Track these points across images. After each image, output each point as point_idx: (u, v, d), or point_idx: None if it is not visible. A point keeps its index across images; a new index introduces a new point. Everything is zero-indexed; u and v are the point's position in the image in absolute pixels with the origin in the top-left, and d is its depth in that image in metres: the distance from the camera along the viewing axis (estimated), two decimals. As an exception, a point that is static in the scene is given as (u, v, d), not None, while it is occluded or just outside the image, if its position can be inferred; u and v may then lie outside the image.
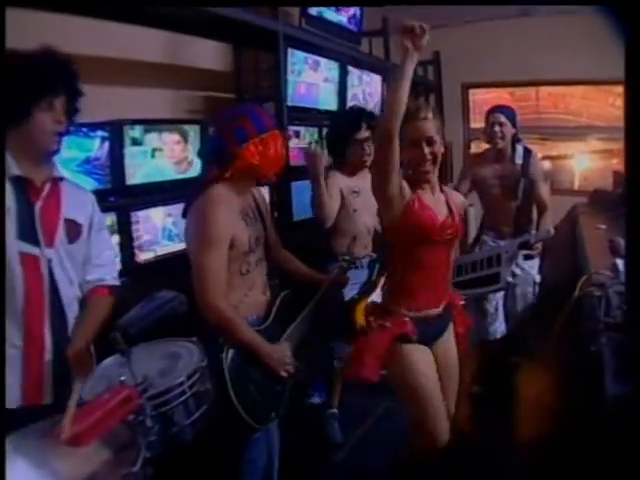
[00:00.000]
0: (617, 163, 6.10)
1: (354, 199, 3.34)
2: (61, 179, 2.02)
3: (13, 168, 1.84)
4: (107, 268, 2.17)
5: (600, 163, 6.49)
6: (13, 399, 1.87)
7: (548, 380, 3.41)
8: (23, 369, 1.91)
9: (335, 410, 3.56)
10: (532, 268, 3.98)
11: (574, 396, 2.84)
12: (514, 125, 3.80)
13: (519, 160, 3.74)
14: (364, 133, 3.31)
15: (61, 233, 1.95)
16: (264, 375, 2.32)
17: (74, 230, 2.00)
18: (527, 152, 3.81)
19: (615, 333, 2.43)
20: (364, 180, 3.46)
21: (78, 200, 2.06)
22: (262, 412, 2.32)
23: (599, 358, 2.39)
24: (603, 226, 4.50)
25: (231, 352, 2.23)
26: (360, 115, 3.40)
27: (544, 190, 3.88)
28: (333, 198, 3.26)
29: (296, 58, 4.00)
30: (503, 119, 3.76)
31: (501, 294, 3.94)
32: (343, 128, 3.38)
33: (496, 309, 4.00)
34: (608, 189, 5.82)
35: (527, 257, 3.73)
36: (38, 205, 1.90)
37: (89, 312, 2.07)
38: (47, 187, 1.95)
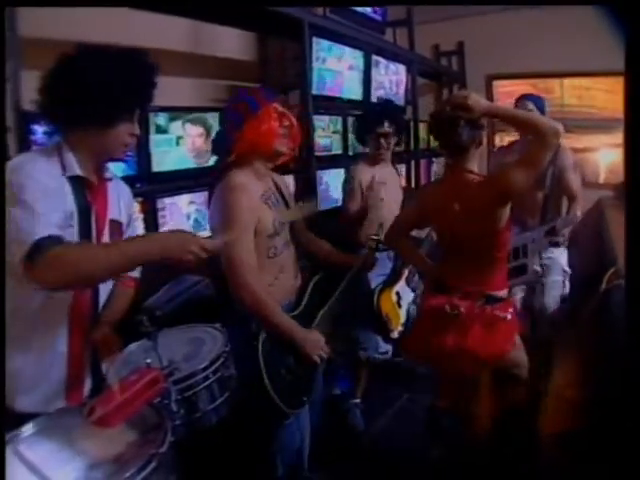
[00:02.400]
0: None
1: (381, 190, 3.38)
2: (110, 179, 1.97)
3: (75, 168, 1.76)
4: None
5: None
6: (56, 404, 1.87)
7: (576, 373, 3.38)
8: (68, 373, 1.91)
9: (358, 400, 3.56)
10: (561, 257, 3.91)
11: (603, 389, 2.81)
12: (543, 114, 3.72)
13: None
14: (385, 128, 3.36)
15: (107, 234, 1.92)
16: (296, 360, 2.32)
17: (117, 231, 1.97)
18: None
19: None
20: (387, 172, 3.49)
21: (121, 199, 2.02)
22: (294, 397, 2.32)
23: (629, 350, 2.35)
24: (630, 219, 4.43)
25: (263, 336, 2.22)
26: (383, 110, 3.43)
27: (574, 180, 3.83)
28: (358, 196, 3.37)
29: (321, 47, 4.00)
30: (532, 107, 3.72)
31: (521, 291, 3.90)
32: (366, 120, 3.46)
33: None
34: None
35: (553, 244, 3.69)
36: (94, 207, 1.85)
37: (116, 300, 2.07)
38: (101, 189, 1.90)
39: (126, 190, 2.09)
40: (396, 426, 3.48)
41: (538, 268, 3.62)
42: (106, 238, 1.91)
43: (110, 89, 1.71)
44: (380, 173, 3.44)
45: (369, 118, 3.46)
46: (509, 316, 2.49)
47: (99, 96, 1.68)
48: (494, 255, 2.49)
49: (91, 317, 1.94)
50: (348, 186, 3.40)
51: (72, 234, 1.72)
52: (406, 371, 3.99)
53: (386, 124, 3.36)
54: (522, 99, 3.87)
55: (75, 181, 1.77)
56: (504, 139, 6.41)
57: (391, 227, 2.81)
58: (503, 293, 2.55)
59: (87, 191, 1.82)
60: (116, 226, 1.96)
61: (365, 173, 3.39)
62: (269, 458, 2.44)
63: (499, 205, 2.31)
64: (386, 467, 3.05)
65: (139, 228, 2.83)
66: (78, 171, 1.77)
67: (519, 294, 3.89)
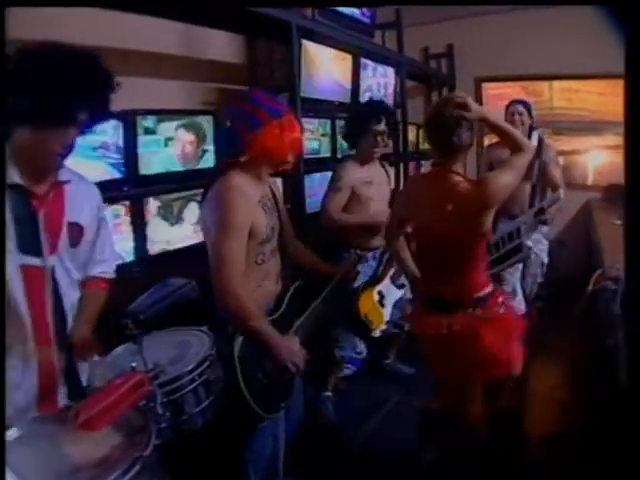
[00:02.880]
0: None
1: (367, 189, 3.40)
2: (66, 182, 1.89)
3: (14, 175, 1.72)
4: (109, 262, 2.15)
5: (614, 158, 6.40)
6: (29, 409, 1.84)
7: (563, 373, 3.39)
8: (40, 385, 1.88)
9: (330, 393, 3.58)
10: (542, 251, 4.30)
11: (589, 389, 2.82)
12: (531, 115, 4.25)
13: (534, 144, 3.82)
14: (381, 126, 3.38)
15: (64, 238, 1.88)
16: (274, 365, 2.30)
17: (77, 233, 1.93)
18: (540, 139, 3.96)
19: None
20: (376, 170, 3.50)
21: (82, 201, 1.96)
22: (270, 401, 2.31)
23: (615, 351, 2.37)
24: (618, 221, 4.46)
25: (240, 340, 2.21)
26: (381, 108, 3.44)
27: (556, 171, 4.23)
28: (344, 196, 3.36)
29: (309, 49, 4.00)
30: (522, 109, 4.23)
31: (518, 276, 4.16)
32: (363, 118, 3.43)
33: (514, 289, 4.15)
34: (622, 184, 5.79)
35: (542, 222, 3.86)
36: (42, 212, 1.80)
37: (90, 302, 2.06)
38: (51, 194, 1.84)
39: (93, 193, 2.04)
40: (386, 429, 3.47)
41: (530, 243, 3.81)
42: (63, 242, 1.88)
43: (43, 89, 1.62)
44: (369, 172, 3.45)
45: (365, 116, 3.45)
46: (502, 309, 2.49)
47: (31, 95, 1.61)
48: (477, 257, 2.49)
49: (59, 329, 1.91)
50: (334, 184, 3.38)
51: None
52: (394, 374, 4.00)
53: (383, 122, 3.38)
54: (513, 103, 4.31)
55: (15, 189, 1.74)
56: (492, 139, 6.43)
57: (386, 228, 2.83)
58: (488, 289, 2.53)
59: (32, 199, 1.78)
60: (76, 229, 1.92)
61: (354, 172, 3.39)
62: (242, 463, 2.44)
63: (485, 210, 2.32)
64: (376, 471, 3.04)
65: (126, 232, 2.85)
66: (17, 179, 1.73)
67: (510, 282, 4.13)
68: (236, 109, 2.29)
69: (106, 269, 2.13)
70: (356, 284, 3.20)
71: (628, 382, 1.73)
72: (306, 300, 2.56)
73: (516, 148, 2.34)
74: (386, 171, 3.70)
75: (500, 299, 2.54)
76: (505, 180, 2.29)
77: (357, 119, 3.51)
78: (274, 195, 2.46)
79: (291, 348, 2.31)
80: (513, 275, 4.12)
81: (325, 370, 3.62)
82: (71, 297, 1.97)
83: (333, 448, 3.24)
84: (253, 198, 2.25)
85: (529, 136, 4.07)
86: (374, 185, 3.43)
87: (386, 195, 3.59)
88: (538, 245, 4.19)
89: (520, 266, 4.11)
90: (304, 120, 3.96)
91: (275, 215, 2.41)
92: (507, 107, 4.36)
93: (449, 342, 2.44)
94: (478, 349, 2.39)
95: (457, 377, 2.57)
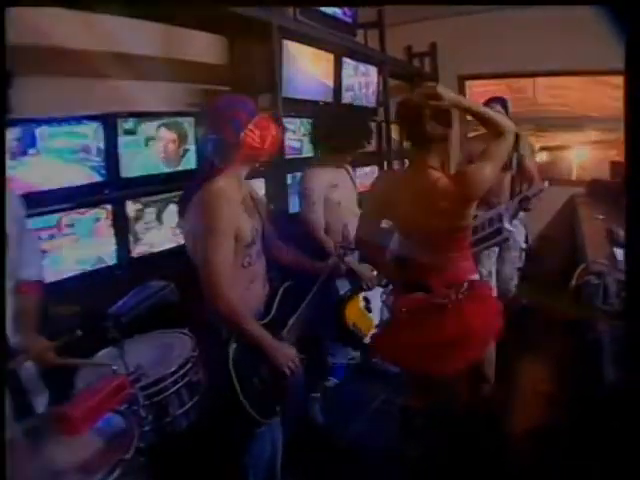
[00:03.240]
0: (616, 154, 6.08)
1: (334, 192, 3.36)
2: None
3: None
4: (36, 265, 2.16)
5: (598, 154, 6.46)
6: None
7: (546, 368, 3.40)
8: None
9: (318, 394, 3.56)
10: (519, 235, 4.47)
11: (572, 384, 2.83)
12: (507, 112, 4.31)
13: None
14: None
15: None
16: (269, 369, 2.28)
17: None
18: (517, 135, 3.90)
19: (613, 320, 2.43)
20: (341, 173, 3.48)
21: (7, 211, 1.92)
22: (266, 406, 2.29)
23: (597, 346, 2.38)
24: (601, 216, 4.51)
25: (234, 345, 2.19)
26: (354, 111, 3.46)
27: (532, 163, 4.41)
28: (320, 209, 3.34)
29: (290, 49, 3.99)
30: (499, 107, 4.25)
31: (494, 260, 4.37)
32: (336, 122, 3.40)
33: (489, 272, 4.33)
34: (606, 179, 5.84)
35: (524, 210, 3.99)
36: None
37: (27, 307, 2.06)
38: None
39: (11, 199, 2.01)
40: (372, 428, 3.47)
41: (510, 227, 3.85)
42: None
43: None
44: (331, 175, 3.40)
45: (339, 118, 3.44)
46: (494, 292, 2.51)
47: None
48: (462, 247, 2.49)
49: None
50: (306, 199, 3.33)
51: None
52: (381, 372, 4.00)
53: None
54: (491, 101, 4.33)
55: None
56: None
57: (358, 228, 2.73)
58: (475, 275, 2.54)
59: None
60: None
61: (320, 179, 3.36)
62: (240, 468, 2.42)
63: (466, 204, 2.32)
64: (364, 469, 3.04)
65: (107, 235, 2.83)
66: None
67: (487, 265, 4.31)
68: (215, 115, 2.28)
69: (34, 272, 2.13)
70: (340, 293, 3.23)
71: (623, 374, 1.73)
72: (296, 300, 2.55)
73: (497, 132, 2.30)
74: (349, 173, 3.66)
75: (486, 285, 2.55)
76: (485, 173, 2.27)
77: (329, 123, 3.47)
78: (252, 196, 2.46)
79: (286, 352, 2.30)
80: (490, 258, 4.30)
81: (314, 372, 3.62)
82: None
83: (321, 448, 3.24)
84: (236, 201, 2.25)
85: None
86: (339, 188, 3.38)
87: (353, 198, 3.56)
88: (516, 230, 4.29)
89: (497, 250, 4.31)
90: (286, 120, 3.96)
91: (256, 216, 2.41)
92: (484, 105, 4.32)
93: (430, 318, 2.43)
94: (460, 324, 2.39)
95: (431, 365, 2.49)
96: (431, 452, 2.75)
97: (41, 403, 2.06)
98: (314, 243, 3.27)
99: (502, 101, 4.44)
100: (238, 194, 2.27)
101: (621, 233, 3.48)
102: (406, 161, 6.27)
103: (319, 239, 3.29)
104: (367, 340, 3.28)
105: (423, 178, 2.35)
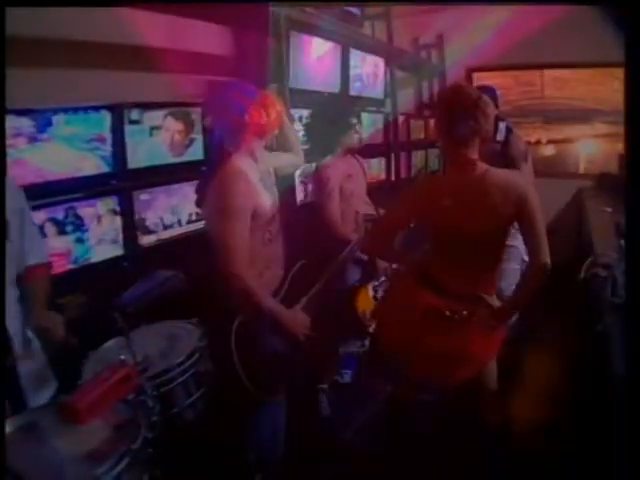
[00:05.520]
0: (624, 147, 6.06)
1: (349, 183, 3.36)
2: None
3: None
4: (41, 249, 2.19)
5: (605, 147, 6.44)
6: None
7: (554, 361, 3.39)
8: None
9: (325, 385, 3.56)
10: (521, 245, 3.96)
11: (580, 376, 2.82)
12: (496, 104, 3.68)
13: (500, 137, 3.68)
14: (354, 120, 3.37)
15: None
16: (273, 349, 2.30)
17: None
18: (509, 131, 3.71)
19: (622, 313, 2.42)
20: (353, 163, 3.48)
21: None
22: (268, 384, 2.31)
23: (606, 338, 2.37)
24: (609, 209, 4.48)
25: (237, 323, 2.19)
26: (351, 103, 3.45)
27: (524, 168, 3.74)
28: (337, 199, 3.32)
29: (298, 40, 3.98)
30: (485, 98, 3.74)
31: None
32: (334, 114, 3.41)
33: None
34: (614, 172, 5.81)
35: None
36: None
37: (38, 290, 2.07)
38: None
39: (10, 183, 2.03)
40: (377, 419, 3.46)
41: None
42: None
43: None
44: (346, 166, 3.41)
45: (336, 110, 3.45)
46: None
47: None
48: (498, 255, 2.43)
49: None
50: (325, 190, 3.31)
51: None
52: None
53: (353, 116, 3.40)
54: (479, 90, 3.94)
55: None
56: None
57: (372, 234, 2.69)
58: (495, 298, 2.43)
59: None
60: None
61: (336, 168, 3.36)
62: (242, 446, 2.45)
63: (524, 202, 2.23)
64: (368, 461, 3.04)
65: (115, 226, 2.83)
66: None
67: None
68: (217, 104, 2.33)
69: (40, 256, 2.15)
70: (350, 283, 3.23)
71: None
72: (308, 280, 2.55)
73: None
74: (360, 163, 3.66)
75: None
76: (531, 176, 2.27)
77: (328, 115, 3.45)
78: (272, 173, 2.50)
79: (301, 320, 2.35)
80: None
81: (323, 363, 3.62)
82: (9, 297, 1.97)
83: (327, 440, 3.24)
84: (254, 179, 2.28)
85: (495, 127, 3.79)
86: (353, 178, 3.40)
87: (363, 188, 3.57)
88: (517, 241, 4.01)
89: None
90: (293, 111, 3.95)
91: (275, 192, 2.43)
92: None
93: (444, 327, 2.35)
94: (472, 346, 2.35)
95: (433, 369, 2.46)
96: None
97: (49, 393, 2.07)
98: (326, 231, 3.27)
99: (491, 91, 3.65)
100: (255, 171, 2.31)
101: (630, 226, 3.46)
102: (416, 153, 6.36)
103: (336, 227, 3.28)
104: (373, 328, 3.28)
105: (473, 171, 2.28)
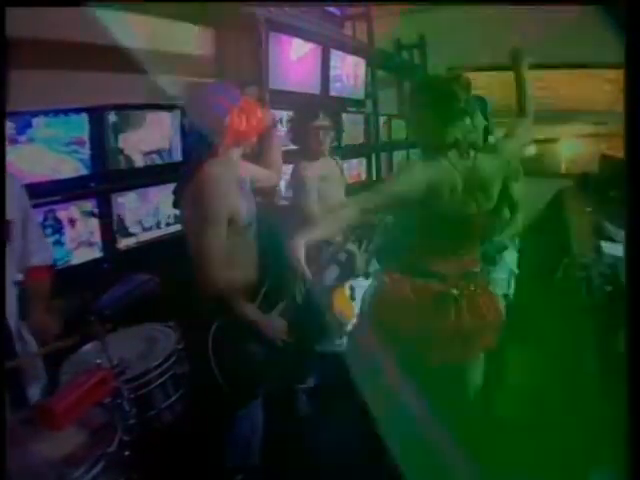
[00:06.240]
0: (606, 147, 6.10)
1: (324, 184, 3.36)
2: None
3: None
4: (45, 250, 2.20)
5: (587, 147, 6.49)
6: None
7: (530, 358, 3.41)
8: None
9: (305, 385, 3.57)
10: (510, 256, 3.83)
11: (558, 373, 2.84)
12: (486, 117, 3.52)
13: None
14: (321, 121, 3.34)
15: None
16: (250, 353, 2.30)
17: (7, 229, 1.95)
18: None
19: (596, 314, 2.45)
20: (329, 165, 3.48)
21: (7, 196, 1.95)
22: (246, 387, 2.31)
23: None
24: (589, 209, 4.52)
25: (214, 327, 2.19)
26: (318, 103, 3.44)
27: (516, 187, 3.48)
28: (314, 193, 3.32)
29: (277, 41, 3.98)
30: None
31: None
32: (302, 116, 3.41)
33: None
34: (595, 173, 5.85)
35: None
36: None
37: (37, 290, 2.10)
38: None
39: (14, 184, 2.05)
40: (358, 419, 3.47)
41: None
42: None
43: None
44: (322, 168, 3.41)
45: (304, 112, 3.42)
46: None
47: None
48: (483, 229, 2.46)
49: None
50: (302, 187, 3.32)
51: None
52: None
53: (321, 117, 3.34)
54: None
55: None
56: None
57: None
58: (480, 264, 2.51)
59: None
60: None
61: (311, 170, 3.35)
62: (220, 449, 2.45)
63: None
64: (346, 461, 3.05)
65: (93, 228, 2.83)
66: None
67: None
68: (198, 105, 2.31)
69: (44, 257, 2.17)
70: (328, 283, 3.23)
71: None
72: (285, 286, 2.55)
73: None
74: (339, 165, 3.66)
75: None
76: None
77: (296, 118, 3.49)
78: (254, 178, 2.49)
79: (278, 325, 2.36)
80: None
81: (302, 362, 3.62)
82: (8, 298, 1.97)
83: (305, 440, 3.24)
84: (232, 184, 2.26)
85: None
86: (329, 181, 3.40)
87: (340, 190, 3.56)
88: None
89: None
90: (272, 112, 3.95)
91: (253, 198, 2.42)
92: None
93: (444, 307, 2.34)
94: (476, 315, 2.36)
95: (446, 353, 2.41)
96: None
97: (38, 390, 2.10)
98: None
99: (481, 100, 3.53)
100: (232, 176, 2.28)
101: (609, 227, 3.49)
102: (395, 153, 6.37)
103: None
104: (349, 328, 3.28)
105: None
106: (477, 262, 2.47)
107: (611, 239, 3.22)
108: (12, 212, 1.96)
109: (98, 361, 1.85)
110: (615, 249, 2.91)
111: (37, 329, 1.99)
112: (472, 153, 2.27)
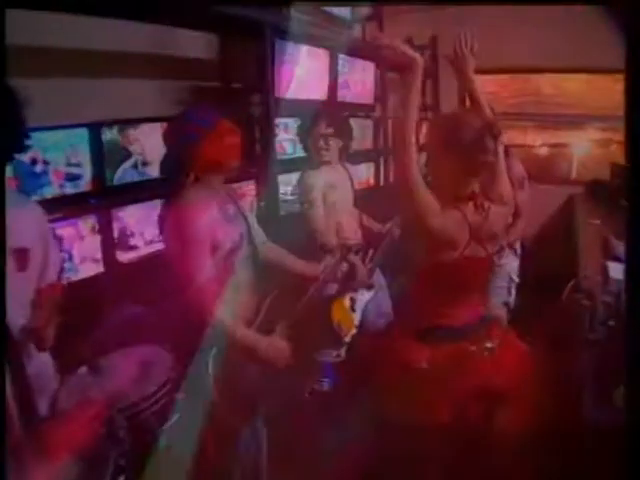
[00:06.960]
0: (619, 153, 6.03)
1: (331, 193, 3.35)
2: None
3: None
4: (58, 270, 2.18)
5: (599, 152, 6.42)
6: None
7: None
8: None
9: (306, 395, 3.56)
10: (510, 265, 3.88)
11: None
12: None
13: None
14: (325, 129, 3.33)
15: (11, 264, 1.85)
16: (251, 378, 2.29)
17: (23, 257, 1.92)
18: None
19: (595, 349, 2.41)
20: (339, 172, 3.46)
21: (22, 223, 1.93)
22: (248, 408, 2.31)
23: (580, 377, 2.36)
24: (597, 221, 4.45)
25: (214, 351, 2.17)
26: (320, 111, 3.45)
27: (520, 195, 3.53)
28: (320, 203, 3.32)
29: (283, 47, 3.94)
30: None
31: None
32: (306, 123, 3.44)
33: None
34: (606, 179, 5.78)
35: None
36: None
37: (48, 303, 2.01)
38: None
39: (29, 211, 2.04)
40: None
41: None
42: (11, 267, 1.85)
43: None
44: (329, 176, 3.39)
45: (308, 119, 3.43)
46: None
47: None
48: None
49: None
50: (307, 197, 3.30)
51: None
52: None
53: (323, 125, 3.33)
54: None
55: None
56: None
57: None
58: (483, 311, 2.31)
59: None
60: (21, 254, 1.91)
61: (316, 179, 3.34)
62: (224, 471, 2.42)
63: None
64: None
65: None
66: None
67: None
68: (169, 130, 2.32)
69: (56, 275, 2.14)
70: (328, 293, 3.20)
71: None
72: (283, 308, 2.52)
73: None
74: (348, 173, 3.63)
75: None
76: None
77: (302, 124, 3.52)
78: (235, 202, 2.44)
79: (279, 348, 2.29)
80: None
81: (303, 373, 3.61)
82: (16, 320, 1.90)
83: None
84: (212, 211, 2.23)
85: None
86: (337, 189, 3.38)
87: (349, 198, 3.54)
88: (507, 259, 3.79)
89: None
90: (279, 120, 3.93)
91: (241, 221, 2.39)
92: None
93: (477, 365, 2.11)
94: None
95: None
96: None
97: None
98: (311, 242, 3.27)
99: None
100: (211, 203, 2.25)
101: (616, 244, 3.44)
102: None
103: (320, 236, 3.28)
104: (347, 339, 3.29)
105: None
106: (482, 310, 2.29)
107: (618, 259, 3.17)
108: (32, 240, 1.95)
109: (93, 390, 1.85)
110: (621, 271, 2.85)
111: (32, 331, 1.96)
112: (487, 205, 2.13)
